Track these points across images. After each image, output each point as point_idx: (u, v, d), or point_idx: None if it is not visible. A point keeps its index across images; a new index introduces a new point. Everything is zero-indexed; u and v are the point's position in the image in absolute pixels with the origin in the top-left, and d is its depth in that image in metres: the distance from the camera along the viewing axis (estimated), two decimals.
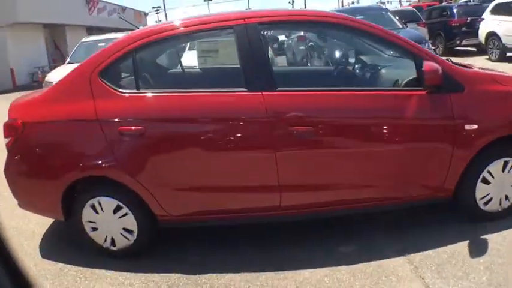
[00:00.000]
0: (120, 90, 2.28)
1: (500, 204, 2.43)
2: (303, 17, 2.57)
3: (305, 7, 41.46)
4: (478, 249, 2.22)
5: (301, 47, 3.05)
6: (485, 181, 2.35)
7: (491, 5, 9.44)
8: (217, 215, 2.33)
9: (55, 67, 17.74)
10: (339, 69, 2.79)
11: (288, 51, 7.79)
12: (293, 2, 42.92)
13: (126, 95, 2.28)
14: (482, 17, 9.37)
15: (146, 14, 32.92)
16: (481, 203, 2.40)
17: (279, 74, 2.38)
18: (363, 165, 2.26)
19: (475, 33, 9.61)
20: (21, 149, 2.38)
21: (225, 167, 2.23)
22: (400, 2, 42.94)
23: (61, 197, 2.31)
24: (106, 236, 2.38)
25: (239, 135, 2.21)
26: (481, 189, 2.36)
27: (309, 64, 3.11)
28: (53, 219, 2.79)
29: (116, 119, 2.22)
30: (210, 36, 2.66)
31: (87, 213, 2.35)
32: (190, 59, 2.68)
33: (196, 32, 2.45)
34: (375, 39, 2.43)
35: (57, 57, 18.92)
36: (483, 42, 9.28)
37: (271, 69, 2.31)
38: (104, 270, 2.29)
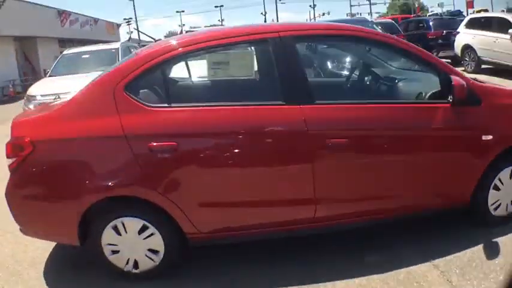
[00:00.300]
0: (148, 104, 2.22)
1: (506, 209, 2.63)
2: (340, 32, 2.58)
3: (277, 18, 42.32)
4: (492, 251, 2.39)
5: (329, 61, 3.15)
6: (496, 188, 2.55)
7: (466, 20, 10.09)
8: (250, 231, 2.33)
9: (26, 80, 17.31)
10: (368, 82, 2.91)
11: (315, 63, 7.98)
12: (265, 13, 43.82)
13: (156, 109, 2.22)
14: (458, 30, 9.96)
15: (118, 26, 32.61)
16: (491, 209, 2.59)
17: (314, 87, 2.43)
18: (396, 176, 2.39)
19: (450, 46, 10.17)
20: (30, 169, 2.22)
21: (260, 180, 2.25)
22: (370, 14, 44.78)
23: (79, 220, 2.21)
24: (128, 259, 2.31)
25: (276, 148, 2.25)
26: (492, 196, 2.55)
27: (338, 77, 3.19)
28: (53, 245, 2.72)
29: (146, 135, 2.15)
30: (243, 49, 2.62)
31: (108, 236, 2.26)
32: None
33: (231, 44, 2.45)
34: (404, 54, 2.56)
35: (27, 70, 18.38)
36: (459, 54, 9.84)
37: (308, 82, 2.36)
38: None
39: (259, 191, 2.28)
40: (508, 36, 8.13)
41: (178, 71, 2.67)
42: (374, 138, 2.34)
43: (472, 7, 34.71)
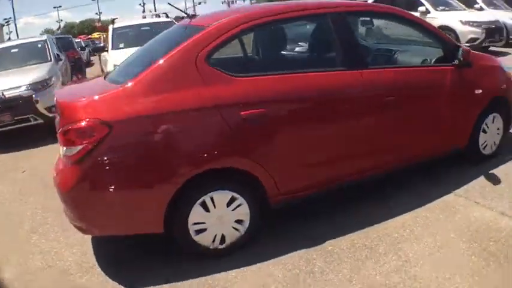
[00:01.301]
0: (231, 74, 2.29)
1: (491, 148, 3.41)
2: (376, 8, 3.11)
3: (154, 8, 41.49)
4: (494, 179, 3.09)
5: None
6: (484, 131, 3.28)
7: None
8: (323, 185, 2.61)
9: None
10: (398, 50, 3.36)
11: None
12: (144, 4, 43.04)
13: (239, 78, 2.30)
14: None
15: (2, 26, 28.97)
16: (481, 148, 3.33)
17: (365, 56, 2.83)
18: (425, 126, 2.92)
19: None
20: (107, 154, 2.08)
21: (333, 138, 2.55)
22: None
23: (168, 202, 2.18)
24: (215, 235, 2.36)
25: (345, 108, 2.57)
26: (482, 138, 3.28)
27: (374, 47, 3.62)
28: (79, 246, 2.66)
29: (236, 104, 2.22)
30: (308, 22, 2.84)
31: (195, 214, 2.27)
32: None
33: (298, 17, 2.69)
34: (423, 29, 3.08)
35: None
36: None
37: (362, 51, 2.74)
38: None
39: (333, 147, 2.58)
40: (417, 14, 9.40)
41: (259, 41, 2.80)
42: (410, 94, 2.82)
43: None
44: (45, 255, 2.68)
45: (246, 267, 2.33)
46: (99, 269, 2.45)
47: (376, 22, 3.58)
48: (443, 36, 3.11)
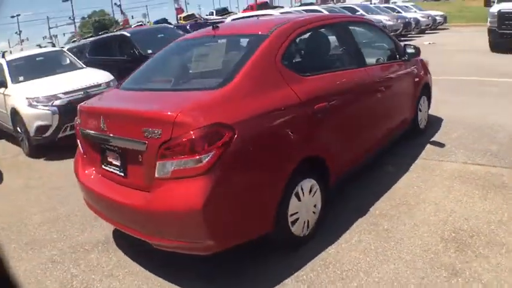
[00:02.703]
0: (300, 73, 2.71)
1: (425, 123, 4.63)
2: (360, 19, 4.06)
3: None
4: (437, 144, 4.24)
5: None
6: (420, 110, 4.48)
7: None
8: (359, 159, 3.24)
9: None
10: (369, 51, 4.15)
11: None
12: None
13: (305, 77, 2.72)
14: None
15: None
16: (419, 124, 4.51)
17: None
18: (397, 104, 3.91)
19: None
20: (233, 160, 2.11)
21: (363, 118, 3.26)
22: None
23: (279, 199, 2.35)
24: (304, 222, 2.61)
25: (366, 95, 3.31)
26: (419, 116, 4.47)
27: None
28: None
29: (310, 100, 2.61)
30: (330, 30, 3.37)
31: (292, 205, 2.48)
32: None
33: (332, 24, 3.40)
34: (382, 34, 4.08)
35: None
36: None
37: (361, 53, 3.46)
38: None
39: (363, 125, 3.27)
40: None
41: (308, 44, 3.21)
42: (388, 81, 3.71)
43: (182, 13, 39.94)
44: None
45: (336, 243, 2.72)
46: None
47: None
48: (395, 39, 4.16)
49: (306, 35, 3.12)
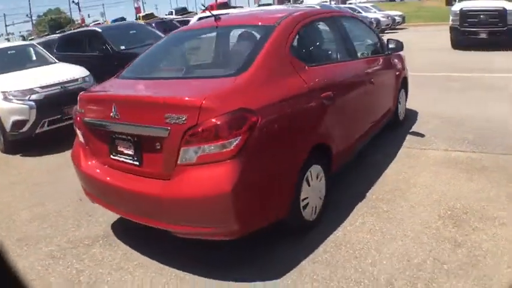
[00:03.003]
0: (306, 63, 2.80)
1: (402, 115, 4.93)
2: (350, 15, 4.32)
3: None
4: (417, 134, 4.54)
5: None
6: (399, 103, 4.76)
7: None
8: (356, 145, 3.42)
9: None
10: (362, 45, 4.33)
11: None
12: None
13: (311, 67, 2.82)
14: None
15: None
16: (399, 115, 4.80)
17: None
18: (384, 93, 4.17)
19: None
20: (257, 144, 2.18)
21: (359, 106, 3.45)
22: None
23: (297, 180, 2.49)
24: (312, 207, 2.73)
25: (361, 85, 3.49)
26: (399, 108, 4.76)
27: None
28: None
29: (317, 89, 2.73)
30: (328, 23, 3.51)
31: (304, 190, 2.59)
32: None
33: (328, 18, 3.54)
34: (369, 30, 4.31)
35: None
36: None
37: (355, 46, 3.63)
38: None
39: (360, 113, 3.47)
40: None
41: (312, 35, 3.31)
42: (378, 73, 3.96)
43: (140, 12, 39.89)
44: None
45: (341, 226, 2.86)
46: None
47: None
48: (379, 35, 4.39)
49: (309, 27, 3.23)
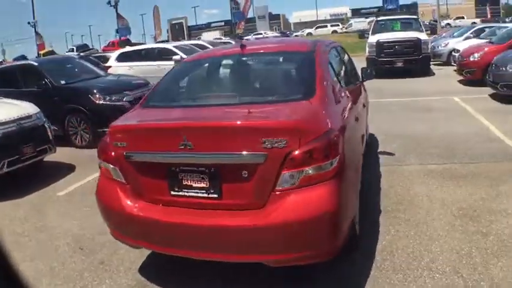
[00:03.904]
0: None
1: (367, 134, 5.59)
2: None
3: None
4: (385, 154, 5.21)
5: None
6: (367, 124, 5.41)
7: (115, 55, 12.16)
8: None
9: None
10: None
11: None
12: None
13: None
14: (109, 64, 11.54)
15: None
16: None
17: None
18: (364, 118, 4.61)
19: None
20: (345, 162, 2.36)
21: (359, 117, 3.70)
22: None
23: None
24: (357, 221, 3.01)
25: (359, 105, 3.87)
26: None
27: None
28: None
29: (354, 102, 3.37)
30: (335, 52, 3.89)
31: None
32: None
33: (334, 47, 3.90)
34: (348, 62, 4.76)
35: None
36: None
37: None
38: None
39: (359, 131, 3.77)
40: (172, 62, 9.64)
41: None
42: (363, 97, 4.49)
43: (44, 48, 39.01)
44: None
45: (381, 236, 3.15)
46: None
47: None
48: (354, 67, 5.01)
49: (331, 54, 3.59)
